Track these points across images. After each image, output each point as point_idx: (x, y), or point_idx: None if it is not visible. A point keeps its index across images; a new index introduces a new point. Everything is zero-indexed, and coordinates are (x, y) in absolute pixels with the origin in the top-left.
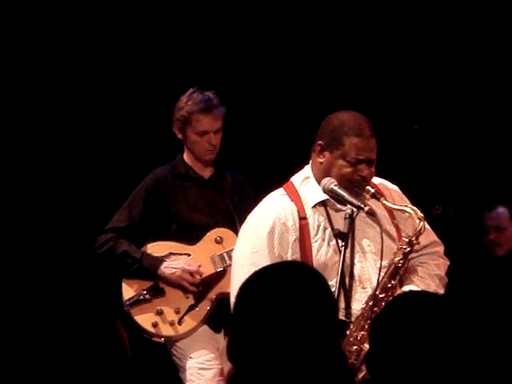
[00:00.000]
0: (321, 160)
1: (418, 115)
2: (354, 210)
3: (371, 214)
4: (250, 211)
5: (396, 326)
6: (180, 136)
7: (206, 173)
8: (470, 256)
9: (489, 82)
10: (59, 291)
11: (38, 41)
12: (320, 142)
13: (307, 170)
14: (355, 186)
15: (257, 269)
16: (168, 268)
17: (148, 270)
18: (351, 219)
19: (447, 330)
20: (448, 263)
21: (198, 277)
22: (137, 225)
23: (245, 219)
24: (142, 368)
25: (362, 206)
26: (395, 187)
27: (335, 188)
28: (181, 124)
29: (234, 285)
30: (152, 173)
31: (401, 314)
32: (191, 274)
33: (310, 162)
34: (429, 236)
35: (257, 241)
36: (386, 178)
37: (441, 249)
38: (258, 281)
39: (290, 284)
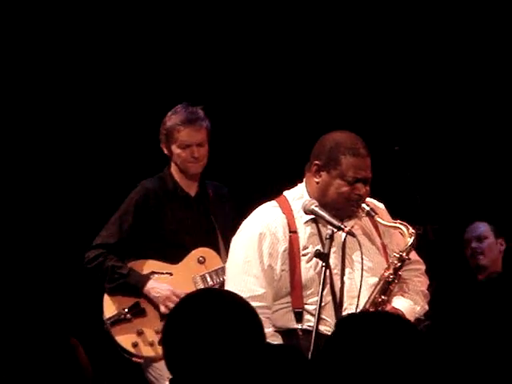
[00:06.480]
0: (317, 180)
1: (399, 136)
2: (335, 230)
3: (351, 234)
4: (230, 224)
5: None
6: (166, 151)
7: (193, 189)
8: (451, 276)
9: (467, 104)
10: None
11: (38, 45)
12: (317, 162)
13: (301, 189)
14: (352, 204)
15: (249, 278)
16: (154, 290)
17: (133, 286)
18: (331, 240)
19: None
20: (428, 282)
21: None
22: (126, 240)
23: (227, 234)
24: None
25: (343, 226)
26: (382, 205)
27: (316, 209)
28: (165, 138)
29: None
30: (140, 186)
31: (351, 335)
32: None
33: (304, 181)
34: (413, 253)
35: (248, 251)
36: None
37: (423, 267)
38: (182, 311)
39: (214, 312)
